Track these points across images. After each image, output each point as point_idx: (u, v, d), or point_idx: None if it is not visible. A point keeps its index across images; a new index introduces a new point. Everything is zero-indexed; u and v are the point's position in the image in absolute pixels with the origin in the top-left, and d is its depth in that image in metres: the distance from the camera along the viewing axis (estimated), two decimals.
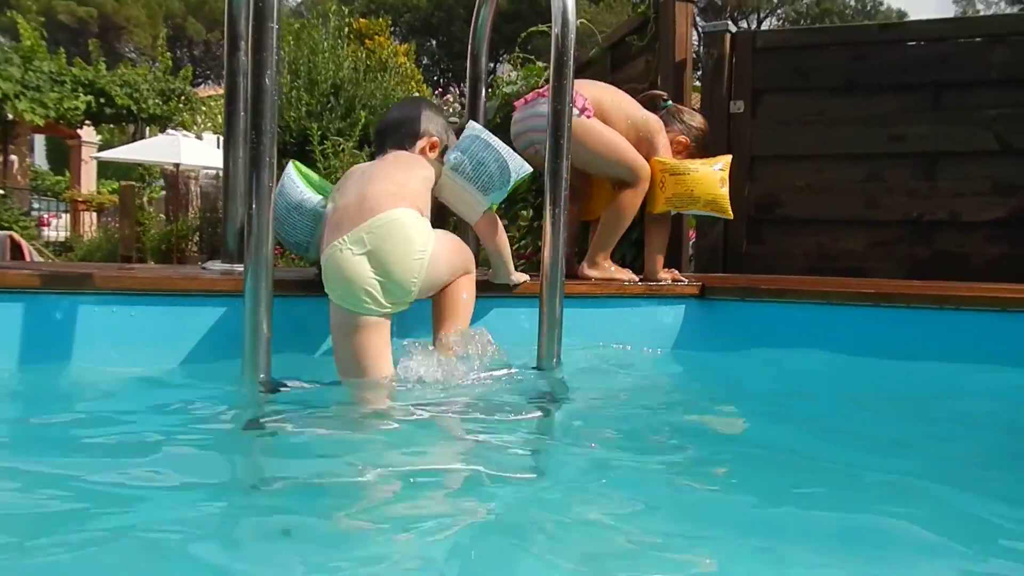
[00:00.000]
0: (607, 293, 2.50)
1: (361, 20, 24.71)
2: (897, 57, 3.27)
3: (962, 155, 3.23)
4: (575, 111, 2.53)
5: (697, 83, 3.54)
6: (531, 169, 2.19)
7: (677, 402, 2.07)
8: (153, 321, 1.86)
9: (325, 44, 13.38)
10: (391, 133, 2.20)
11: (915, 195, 3.27)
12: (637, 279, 2.69)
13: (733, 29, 3.43)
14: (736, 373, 2.42)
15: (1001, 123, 3.17)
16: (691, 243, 3.60)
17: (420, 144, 2.17)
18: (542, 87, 2.67)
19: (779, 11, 34.04)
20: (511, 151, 2.13)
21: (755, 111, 3.39)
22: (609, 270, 2.73)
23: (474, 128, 2.16)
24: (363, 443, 1.48)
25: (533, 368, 2.02)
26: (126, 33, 34.38)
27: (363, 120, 8.93)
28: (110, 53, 21.89)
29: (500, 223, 2.25)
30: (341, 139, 7.78)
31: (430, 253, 1.85)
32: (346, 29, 14.16)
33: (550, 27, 4.23)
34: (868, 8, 35.50)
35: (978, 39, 3.24)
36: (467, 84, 2.55)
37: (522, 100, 2.71)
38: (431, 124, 2.21)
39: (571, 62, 2.01)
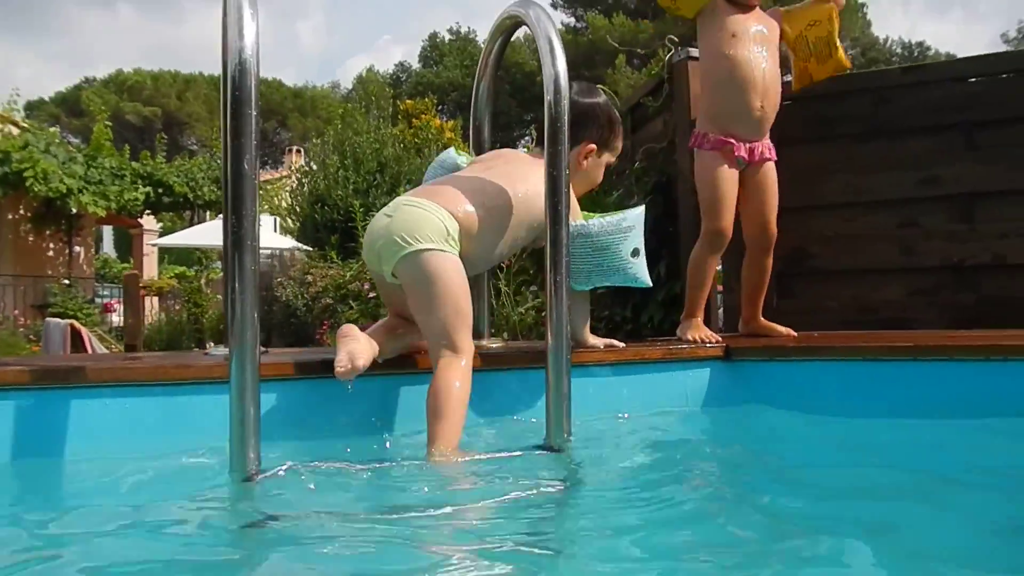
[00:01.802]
0: (624, 359, 2.40)
1: (408, 101, 25.50)
2: (923, 99, 3.16)
3: (1003, 194, 3.07)
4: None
5: None
6: (643, 285, 2.29)
7: (696, 476, 1.92)
8: (148, 412, 1.84)
9: (369, 125, 13.81)
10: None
11: (954, 239, 3.11)
12: (794, 333, 2.77)
13: None
14: (764, 441, 2.25)
15: None
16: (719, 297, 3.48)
17: (573, 152, 2.20)
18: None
19: None
20: (628, 263, 2.20)
21: (778, 162, 3.29)
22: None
23: (624, 220, 2.20)
24: (361, 542, 1.36)
25: (543, 447, 1.91)
26: (188, 127, 36.15)
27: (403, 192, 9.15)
28: (174, 146, 23.00)
29: (583, 292, 2.30)
30: None
31: (424, 253, 1.91)
32: (390, 110, 14.61)
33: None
34: (916, 55, 35.08)
35: (1008, 75, 3.12)
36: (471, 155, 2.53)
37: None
38: (585, 122, 2.24)
39: (565, 128, 1.96)
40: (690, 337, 2.68)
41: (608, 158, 2.37)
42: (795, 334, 2.76)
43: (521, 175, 2.14)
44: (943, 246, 3.12)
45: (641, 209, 2.28)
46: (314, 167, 14.74)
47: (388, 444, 1.97)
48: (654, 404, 2.40)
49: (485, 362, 2.18)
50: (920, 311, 3.11)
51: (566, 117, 1.96)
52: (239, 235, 1.65)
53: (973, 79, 3.14)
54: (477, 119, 2.51)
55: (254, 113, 1.66)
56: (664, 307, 3.42)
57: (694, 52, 3.33)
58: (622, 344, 2.45)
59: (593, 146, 2.28)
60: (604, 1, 32.40)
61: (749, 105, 2.66)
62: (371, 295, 6.69)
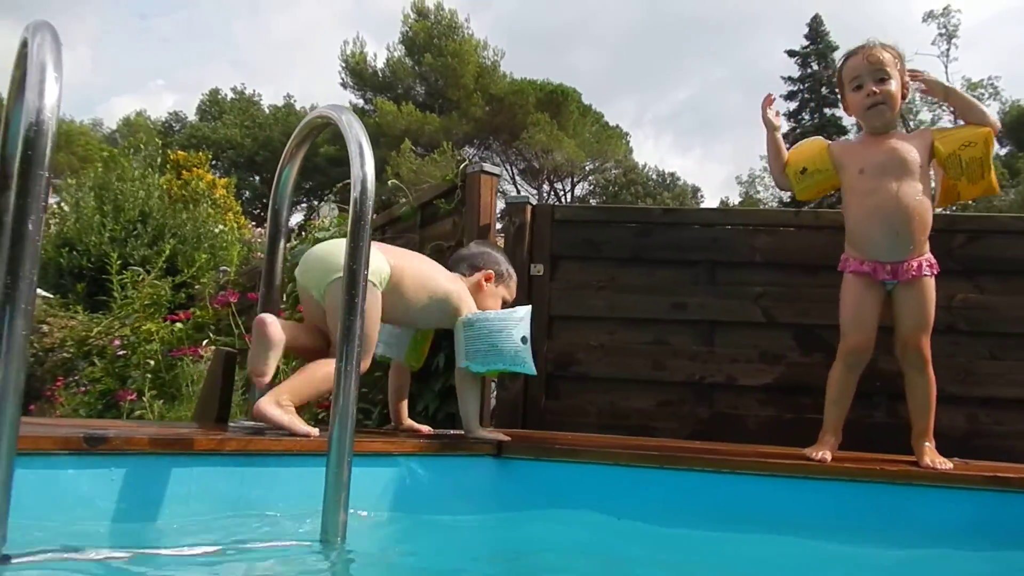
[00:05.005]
0: (402, 451, 2.44)
1: (179, 152, 24.22)
2: (677, 236, 3.62)
3: (734, 325, 3.56)
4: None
5: (501, 244, 3.71)
6: (530, 372, 2.62)
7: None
8: None
9: (135, 172, 12.95)
10: (456, 263, 2.83)
11: (696, 359, 3.54)
12: (948, 465, 2.58)
13: (534, 202, 3.67)
14: (527, 538, 2.39)
15: (766, 299, 3.54)
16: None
17: (477, 275, 2.78)
18: None
19: (590, 178, 37.00)
20: (519, 348, 2.50)
21: (553, 274, 3.59)
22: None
23: (516, 312, 2.59)
24: None
25: (316, 542, 1.87)
26: None
27: (168, 250, 8.49)
28: None
29: (476, 380, 2.64)
30: (142, 269, 7.31)
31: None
32: (159, 160, 13.78)
33: None
34: (668, 182, 39.56)
35: (745, 226, 3.67)
36: (267, 237, 2.52)
37: None
38: (489, 260, 2.84)
39: (368, 227, 2.03)
40: (814, 455, 2.64)
41: (503, 293, 2.86)
42: (950, 466, 2.57)
43: (435, 266, 2.68)
44: (687, 364, 3.54)
45: (529, 307, 2.64)
46: (65, 207, 13.46)
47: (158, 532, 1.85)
48: (426, 498, 2.44)
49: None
50: (665, 421, 3.48)
51: (370, 216, 2.04)
52: (14, 297, 1.52)
53: (717, 226, 3.66)
54: (277, 203, 2.51)
55: (45, 175, 1.57)
56: (440, 397, 3.52)
57: (487, 167, 3.59)
58: (508, 437, 2.65)
59: (492, 273, 2.80)
60: (394, 89, 33.27)
61: (885, 231, 2.72)
62: (120, 352, 6.04)
